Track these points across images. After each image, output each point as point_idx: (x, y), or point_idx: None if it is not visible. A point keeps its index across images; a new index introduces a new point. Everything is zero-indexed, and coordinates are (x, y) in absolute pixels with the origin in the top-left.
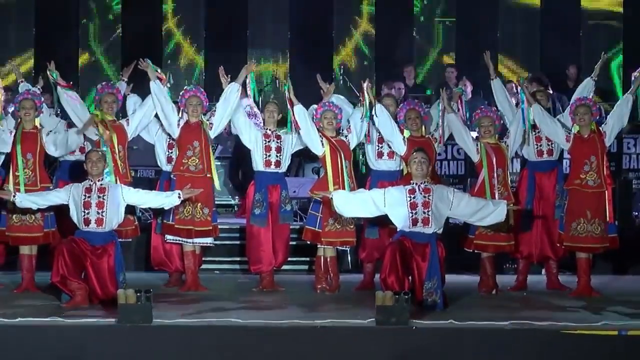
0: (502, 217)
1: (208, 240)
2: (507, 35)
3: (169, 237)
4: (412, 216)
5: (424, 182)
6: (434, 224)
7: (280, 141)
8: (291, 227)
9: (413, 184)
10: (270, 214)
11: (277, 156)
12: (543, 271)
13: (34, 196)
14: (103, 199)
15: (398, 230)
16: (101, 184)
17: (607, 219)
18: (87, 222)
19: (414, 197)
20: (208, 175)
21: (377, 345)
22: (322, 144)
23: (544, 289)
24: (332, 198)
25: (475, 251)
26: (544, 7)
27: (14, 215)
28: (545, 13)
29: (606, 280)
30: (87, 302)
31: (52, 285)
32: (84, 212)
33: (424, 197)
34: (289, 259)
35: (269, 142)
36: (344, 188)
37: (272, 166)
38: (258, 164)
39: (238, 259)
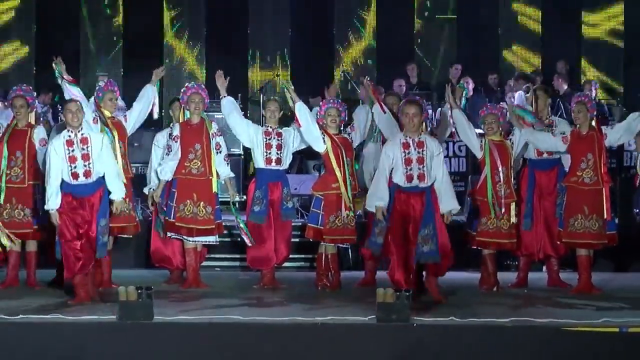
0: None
1: (211, 239)
2: (508, 32)
3: (169, 233)
4: (407, 172)
5: (418, 136)
6: (428, 179)
7: (281, 139)
8: (293, 224)
9: (407, 137)
10: (272, 212)
11: (277, 154)
12: (544, 268)
13: (52, 194)
14: (87, 150)
15: (393, 183)
16: (82, 135)
17: (605, 216)
18: (75, 176)
19: (408, 153)
20: (210, 177)
21: (378, 342)
22: (324, 141)
23: (544, 286)
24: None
25: (478, 248)
26: (545, 5)
27: (5, 212)
28: (546, 12)
29: (607, 277)
30: (90, 299)
31: (55, 282)
32: (71, 166)
33: (418, 152)
34: (290, 256)
35: (269, 139)
36: (346, 185)
37: (273, 164)
38: (259, 162)
39: (239, 256)
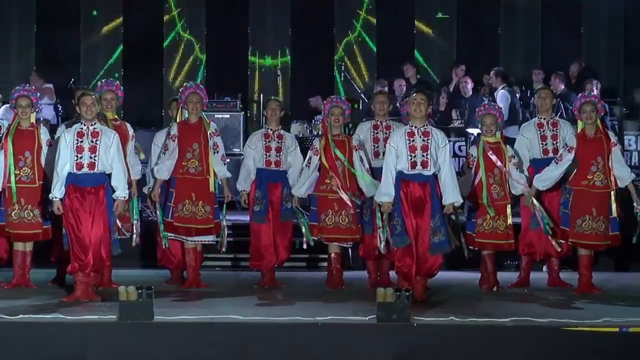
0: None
1: (209, 238)
2: (508, 30)
3: (168, 234)
4: (411, 159)
5: (424, 126)
6: (432, 166)
7: (281, 141)
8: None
9: (412, 126)
10: (272, 212)
11: (277, 156)
12: (544, 268)
13: (57, 182)
14: (96, 143)
15: (397, 171)
16: (94, 128)
17: (614, 214)
18: (79, 166)
19: (413, 141)
20: (208, 177)
21: (378, 342)
22: (317, 146)
23: (545, 285)
24: (381, 204)
25: (476, 248)
26: (545, 2)
27: (13, 212)
28: (547, 8)
29: (607, 277)
30: (87, 297)
31: (55, 281)
32: (77, 156)
33: (423, 140)
34: (290, 256)
35: (268, 142)
36: (331, 188)
37: (273, 165)
38: (258, 163)
39: (239, 255)
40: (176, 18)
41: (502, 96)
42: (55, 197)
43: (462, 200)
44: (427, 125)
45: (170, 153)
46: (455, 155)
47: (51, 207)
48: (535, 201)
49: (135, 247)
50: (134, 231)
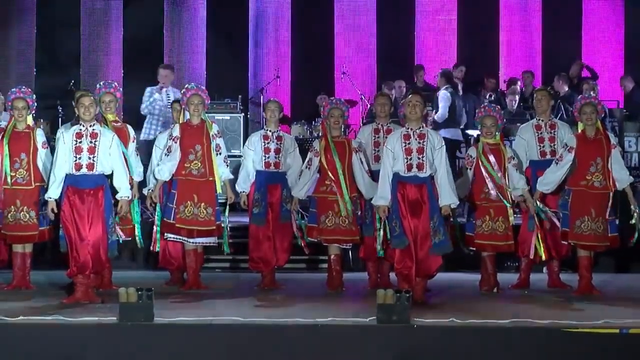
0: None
1: (211, 240)
2: (508, 30)
3: (169, 235)
4: (407, 162)
5: (420, 128)
6: (428, 168)
7: (280, 143)
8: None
9: (408, 129)
10: (272, 213)
11: (276, 157)
12: (544, 269)
13: (54, 182)
14: (94, 144)
15: (394, 173)
16: (93, 129)
17: (609, 216)
18: (78, 167)
19: (409, 143)
20: (211, 178)
21: (378, 343)
22: (317, 147)
23: (545, 287)
24: (379, 207)
25: (476, 249)
26: (545, 2)
27: (9, 214)
28: (547, 8)
29: (607, 278)
30: (87, 298)
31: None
32: (76, 157)
33: (419, 142)
34: (290, 257)
35: (267, 143)
36: (331, 189)
37: (272, 167)
38: (257, 165)
39: (239, 257)
40: (176, 19)
41: (442, 96)
42: (50, 198)
43: (458, 202)
44: (423, 127)
45: (172, 155)
46: (454, 156)
47: (46, 207)
48: (538, 203)
49: (135, 249)
50: (136, 233)
